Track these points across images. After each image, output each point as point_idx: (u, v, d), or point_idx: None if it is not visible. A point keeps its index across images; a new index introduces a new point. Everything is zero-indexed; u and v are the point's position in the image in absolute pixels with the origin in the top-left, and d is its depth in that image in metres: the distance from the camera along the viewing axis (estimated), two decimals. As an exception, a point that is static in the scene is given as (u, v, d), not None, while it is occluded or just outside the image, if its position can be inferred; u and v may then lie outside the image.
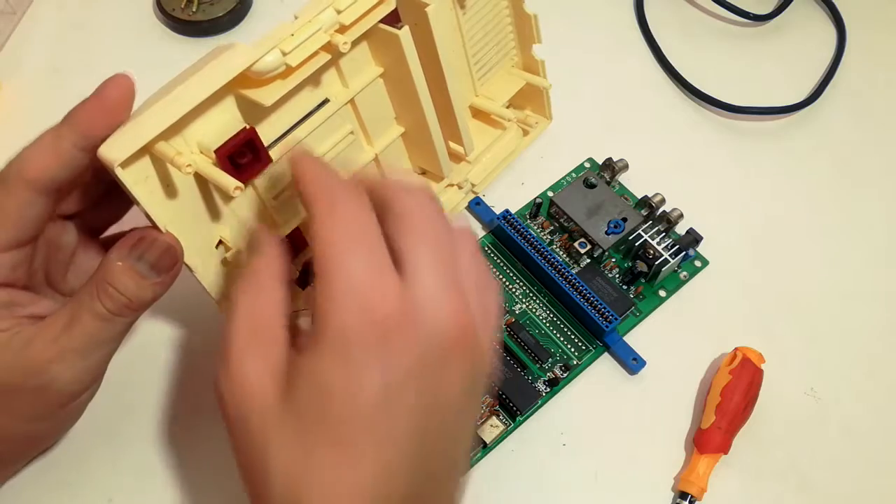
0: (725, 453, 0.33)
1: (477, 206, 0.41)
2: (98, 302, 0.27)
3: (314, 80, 0.31)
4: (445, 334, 0.23)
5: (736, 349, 0.35)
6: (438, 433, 0.24)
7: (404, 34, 0.31)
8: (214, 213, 0.30)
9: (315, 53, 0.28)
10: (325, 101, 0.32)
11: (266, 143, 0.31)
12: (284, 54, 0.27)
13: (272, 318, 0.25)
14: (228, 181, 0.26)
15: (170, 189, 0.28)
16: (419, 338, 0.23)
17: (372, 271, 0.23)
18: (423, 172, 0.40)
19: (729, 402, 0.34)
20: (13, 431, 0.29)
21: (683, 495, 0.33)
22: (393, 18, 0.32)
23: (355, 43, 0.30)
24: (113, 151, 0.25)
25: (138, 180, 0.26)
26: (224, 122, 0.28)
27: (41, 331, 0.27)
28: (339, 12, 0.29)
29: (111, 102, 0.26)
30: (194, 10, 0.48)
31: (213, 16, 0.48)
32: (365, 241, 0.23)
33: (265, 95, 0.28)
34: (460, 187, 0.40)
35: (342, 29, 0.29)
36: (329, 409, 0.22)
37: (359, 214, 0.24)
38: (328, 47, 0.29)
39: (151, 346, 0.37)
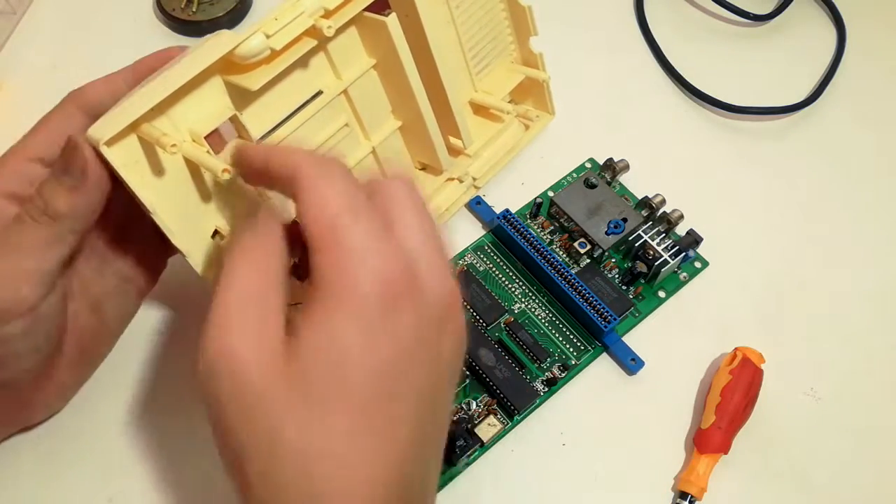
0: (725, 453, 0.33)
1: (477, 206, 0.41)
2: (25, 206, 0.27)
3: (304, 67, 0.31)
4: (443, 300, 0.24)
5: (736, 349, 0.35)
6: (437, 403, 0.24)
7: (392, 21, 0.31)
8: (208, 201, 0.31)
9: (299, 38, 0.29)
10: (319, 93, 0.32)
11: (259, 135, 0.31)
12: (268, 37, 0.27)
13: (270, 287, 0.24)
14: (216, 163, 0.27)
15: (160, 173, 0.28)
16: (422, 303, 0.23)
17: (376, 236, 0.23)
18: (423, 167, 0.40)
19: (729, 402, 0.33)
20: None
21: (683, 495, 0.33)
22: (383, 7, 0.32)
23: (342, 30, 0.30)
24: (98, 131, 0.25)
25: (127, 163, 0.26)
26: (214, 109, 0.28)
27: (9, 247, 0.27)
28: None
29: (171, 58, 0.28)
30: (194, 10, 0.48)
31: (213, 16, 0.48)
32: (362, 207, 0.23)
33: (251, 80, 0.28)
34: (461, 181, 0.40)
35: (327, 14, 0.29)
36: (345, 372, 0.22)
37: (348, 180, 0.24)
38: (313, 32, 0.29)
39: (151, 344, 0.37)
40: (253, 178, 0.27)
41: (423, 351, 0.23)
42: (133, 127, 0.26)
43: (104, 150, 0.25)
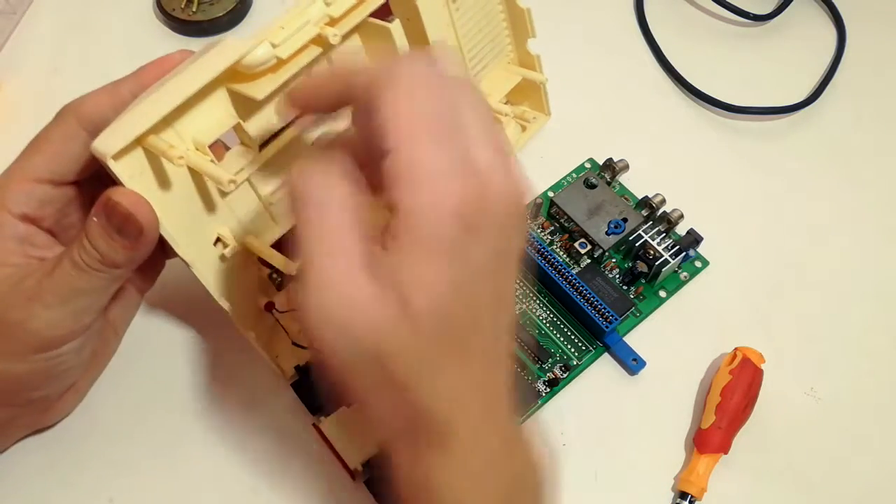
0: (725, 453, 0.33)
1: (477, 207, 0.41)
2: (76, 251, 0.27)
3: (308, 75, 0.31)
4: (512, 207, 0.23)
5: (736, 349, 0.35)
6: (509, 307, 0.25)
7: (395, 27, 0.31)
8: (212, 210, 0.31)
9: (305, 46, 0.29)
10: None
11: (261, 140, 0.31)
12: (274, 46, 0.27)
13: (352, 232, 0.22)
14: (221, 174, 0.27)
15: (165, 184, 0.28)
16: (496, 220, 0.22)
17: (451, 158, 0.22)
18: None
19: (729, 401, 0.34)
20: None
21: (683, 495, 0.33)
22: (385, 13, 0.32)
23: (347, 37, 0.30)
24: (105, 144, 0.25)
25: (133, 175, 0.26)
26: (218, 118, 0.28)
27: (32, 271, 0.28)
28: (328, 5, 0.29)
29: (175, 66, 0.28)
30: (194, 10, 0.48)
31: (213, 16, 0.48)
32: (442, 123, 0.22)
33: (256, 89, 0.28)
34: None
35: (332, 22, 0.29)
36: (457, 318, 0.22)
37: (432, 92, 0.22)
38: (318, 40, 0.29)
39: (152, 344, 0.37)
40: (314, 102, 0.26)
41: (500, 270, 0.23)
42: (139, 140, 0.26)
43: (111, 164, 0.25)
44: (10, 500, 0.33)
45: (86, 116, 0.28)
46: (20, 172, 0.28)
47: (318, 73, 0.25)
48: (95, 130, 0.27)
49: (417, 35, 0.33)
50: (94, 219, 0.27)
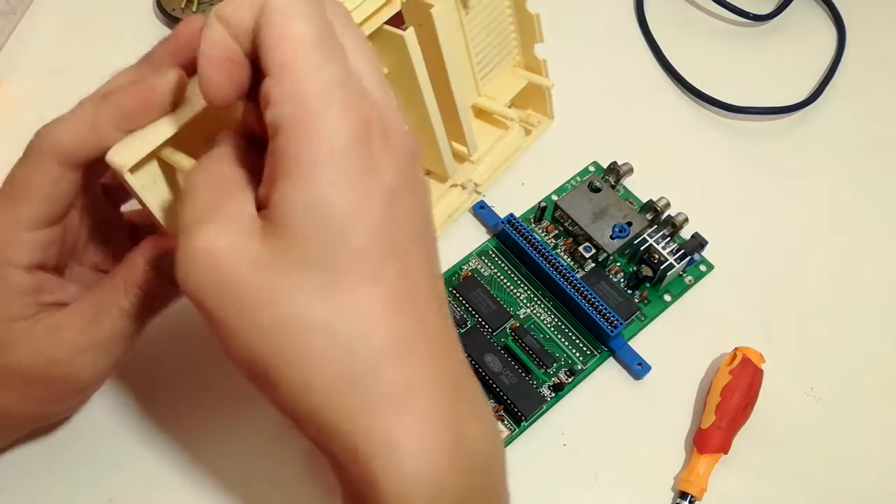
0: (725, 453, 0.34)
1: (481, 210, 0.41)
2: (126, 299, 0.27)
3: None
4: (409, 139, 0.22)
5: (736, 349, 0.36)
6: (433, 251, 0.23)
7: (409, 35, 0.31)
8: None
9: None
10: None
11: None
12: None
13: (232, 177, 0.22)
14: None
15: (178, 193, 0.28)
16: (394, 145, 0.21)
17: (344, 75, 0.20)
18: (428, 173, 0.40)
19: (729, 401, 0.34)
20: (22, 412, 0.29)
21: (683, 495, 0.33)
22: (397, 19, 0.32)
23: None
24: (121, 156, 0.25)
25: (146, 185, 0.26)
26: None
27: (68, 321, 0.27)
28: None
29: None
30: (194, 10, 0.48)
31: (214, 16, 0.48)
32: (330, 40, 0.20)
33: None
34: (464, 187, 0.41)
35: None
36: (346, 235, 0.20)
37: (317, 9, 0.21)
38: None
39: (153, 346, 0.36)
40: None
41: (410, 196, 0.21)
42: (154, 152, 0.26)
43: (127, 177, 0.25)
44: (11, 500, 0.33)
45: (67, 156, 0.26)
46: (13, 223, 0.26)
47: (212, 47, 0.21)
48: (78, 167, 0.26)
49: (428, 39, 0.33)
50: (146, 267, 0.27)
